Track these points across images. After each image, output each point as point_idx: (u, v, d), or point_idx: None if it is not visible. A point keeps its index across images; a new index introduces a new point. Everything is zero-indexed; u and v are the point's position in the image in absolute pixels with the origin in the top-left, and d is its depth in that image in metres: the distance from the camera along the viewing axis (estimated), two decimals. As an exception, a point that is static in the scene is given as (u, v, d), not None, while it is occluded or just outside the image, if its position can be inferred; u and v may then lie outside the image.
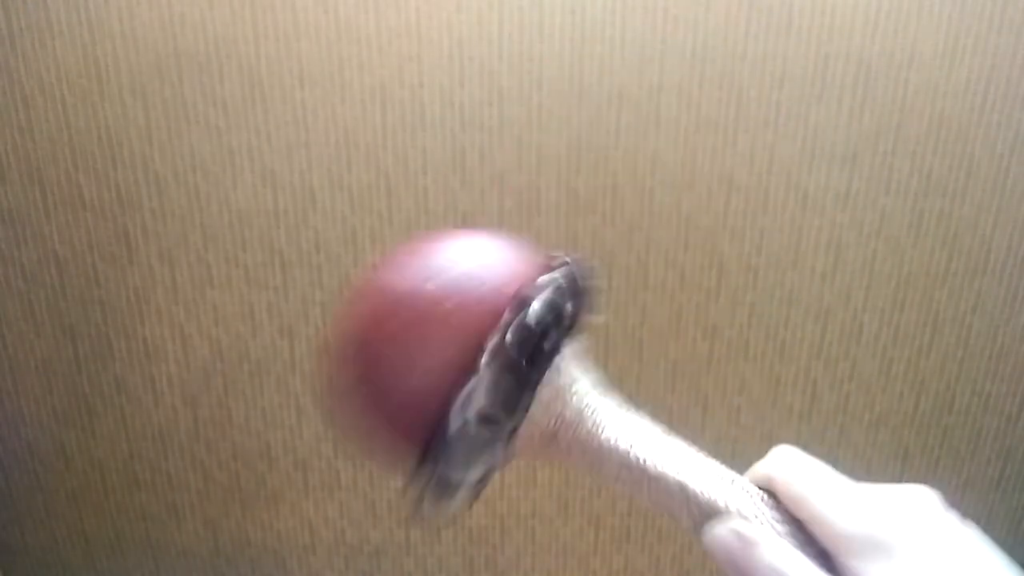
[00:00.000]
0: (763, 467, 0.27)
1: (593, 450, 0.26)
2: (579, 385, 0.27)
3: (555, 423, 0.26)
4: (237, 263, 0.71)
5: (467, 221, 0.70)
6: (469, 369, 0.23)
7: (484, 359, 0.23)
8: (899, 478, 0.78)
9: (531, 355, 0.24)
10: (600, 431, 0.26)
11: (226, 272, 0.72)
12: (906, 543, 0.22)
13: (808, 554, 0.24)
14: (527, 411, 0.25)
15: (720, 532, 0.25)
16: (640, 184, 0.69)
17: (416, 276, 0.25)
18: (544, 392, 0.25)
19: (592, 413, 0.27)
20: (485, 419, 0.24)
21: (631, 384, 0.75)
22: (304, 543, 0.81)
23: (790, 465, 0.26)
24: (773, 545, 0.24)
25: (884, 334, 0.74)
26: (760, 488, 0.26)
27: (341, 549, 0.82)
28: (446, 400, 0.23)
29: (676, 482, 0.26)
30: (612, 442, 0.26)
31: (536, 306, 0.24)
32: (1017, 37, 0.65)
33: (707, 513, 0.25)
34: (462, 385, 0.23)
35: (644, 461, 0.26)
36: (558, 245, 0.70)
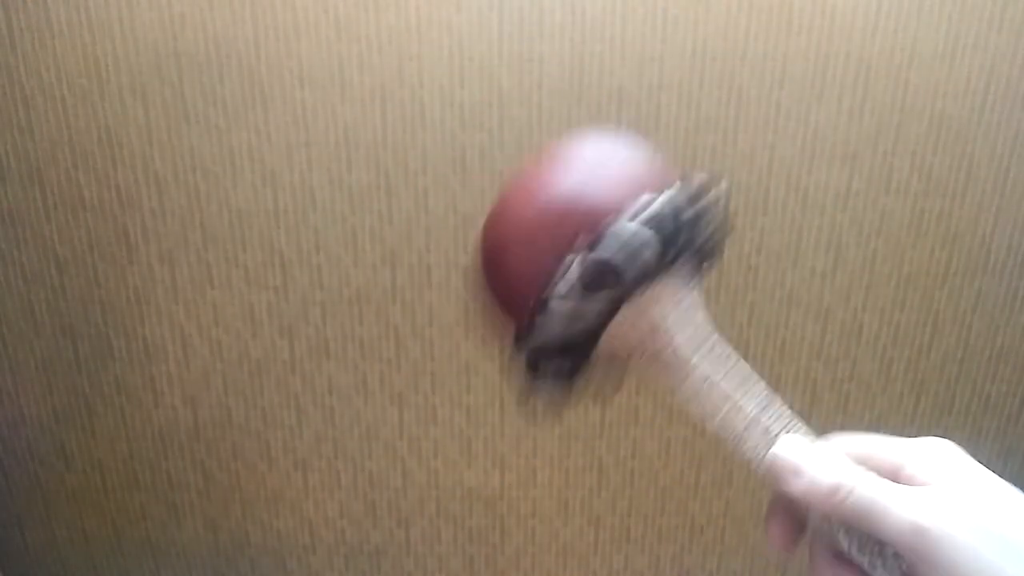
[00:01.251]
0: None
1: (674, 368, 0.28)
2: (683, 304, 0.28)
3: (647, 331, 0.28)
4: (237, 263, 0.71)
5: (467, 221, 0.70)
6: (563, 259, 0.27)
7: (579, 250, 0.26)
8: (899, 478, 0.78)
9: (624, 259, 0.26)
10: (686, 353, 0.28)
11: (226, 272, 0.72)
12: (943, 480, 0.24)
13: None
14: (615, 304, 0.27)
15: (779, 451, 0.26)
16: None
17: (541, 184, 0.29)
18: (643, 296, 0.27)
19: (684, 334, 0.28)
20: (578, 296, 0.26)
21: (631, 384, 0.75)
22: (304, 543, 0.81)
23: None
24: (828, 456, 0.25)
25: (884, 334, 0.74)
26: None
27: (341, 549, 0.82)
28: (546, 282, 0.27)
29: (745, 417, 0.27)
30: (695, 368, 0.28)
31: (638, 220, 0.27)
32: (1017, 37, 0.65)
33: (768, 443, 0.26)
34: (558, 272, 0.26)
35: (719, 392, 0.27)
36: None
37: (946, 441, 0.26)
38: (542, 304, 0.27)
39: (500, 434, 0.77)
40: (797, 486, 0.25)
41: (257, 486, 0.79)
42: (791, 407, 0.28)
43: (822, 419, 0.76)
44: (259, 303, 0.73)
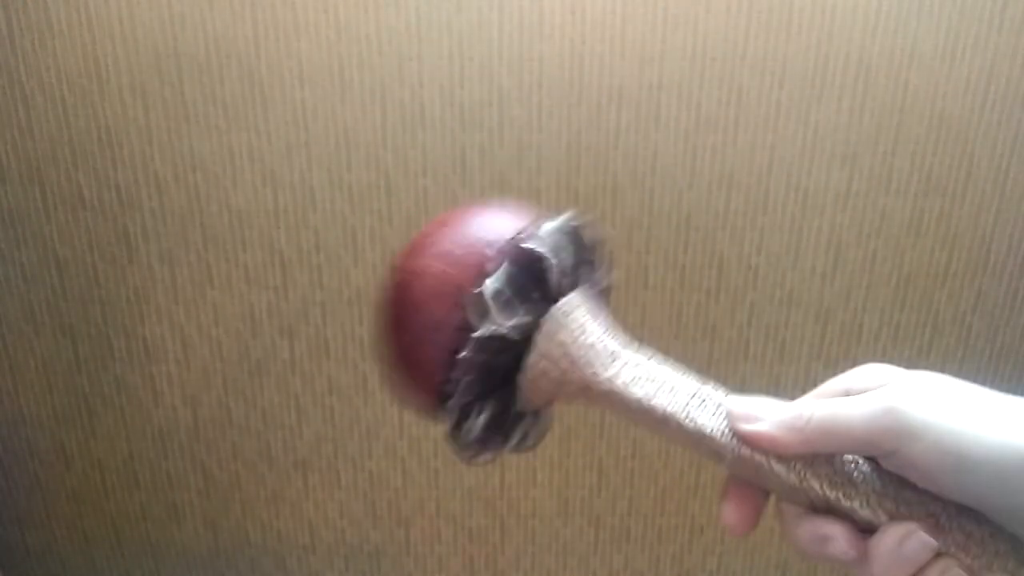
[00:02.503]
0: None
1: (602, 394, 0.27)
2: (588, 329, 0.28)
3: (563, 363, 0.27)
4: (237, 263, 0.71)
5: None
6: (464, 315, 0.27)
7: (477, 294, 0.26)
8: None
9: (518, 290, 0.27)
10: (606, 374, 0.27)
11: (226, 272, 0.72)
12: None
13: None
14: (526, 343, 0.27)
15: (732, 407, 0.27)
16: (640, 184, 0.69)
17: (422, 252, 0.29)
18: (546, 328, 0.27)
19: (600, 357, 0.28)
20: (484, 348, 0.26)
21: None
22: (304, 543, 0.81)
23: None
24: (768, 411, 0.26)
25: (884, 334, 0.74)
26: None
27: (341, 549, 0.82)
28: (453, 345, 0.27)
29: (686, 422, 0.26)
30: (619, 386, 0.27)
31: (505, 266, 0.27)
32: (1017, 37, 0.65)
33: (721, 447, 0.26)
34: (462, 328, 0.27)
35: (651, 405, 0.27)
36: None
37: (881, 364, 0.27)
38: (466, 333, 0.27)
39: (500, 434, 0.77)
40: (760, 430, 0.25)
41: (257, 486, 0.79)
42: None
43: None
44: (259, 303, 0.73)
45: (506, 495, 0.79)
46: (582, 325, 0.28)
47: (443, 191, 0.69)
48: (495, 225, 0.29)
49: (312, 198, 0.70)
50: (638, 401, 0.27)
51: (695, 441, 0.26)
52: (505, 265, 0.27)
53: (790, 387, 0.75)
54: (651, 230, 0.71)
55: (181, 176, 0.69)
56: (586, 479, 0.78)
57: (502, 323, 0.26)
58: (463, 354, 0.26)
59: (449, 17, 0.65)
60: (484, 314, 0.26)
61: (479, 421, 0.28)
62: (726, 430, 0.26)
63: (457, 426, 0.28)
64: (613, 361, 0.27)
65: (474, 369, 0.27)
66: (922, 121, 0.68)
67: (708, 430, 0.26)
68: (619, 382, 0.27)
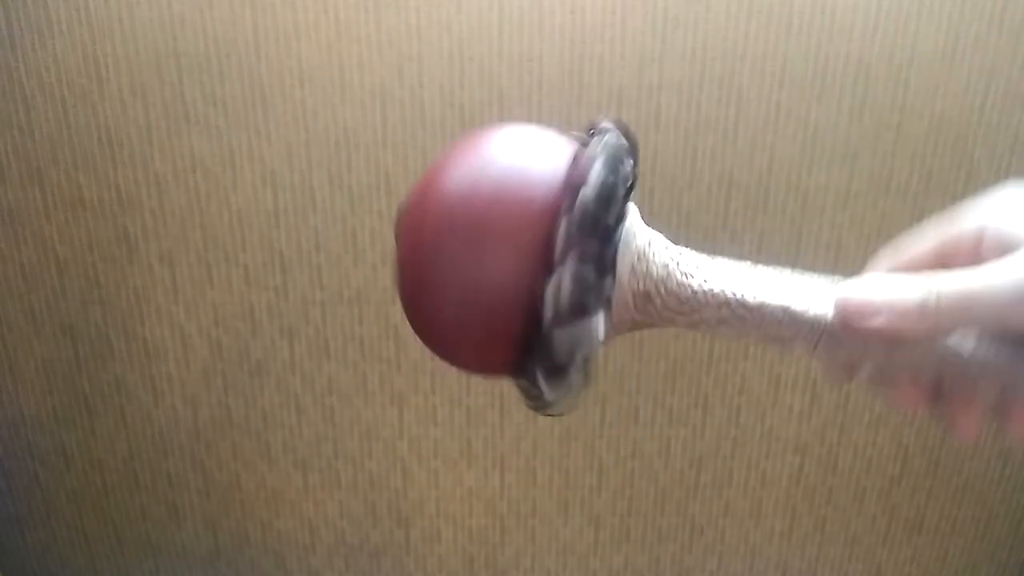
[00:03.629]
0: (964, 227, 0.25)
1: (688, 299, 0.26)
2: (654, 241, 0.27)
3: (644, 283, 0.26)
4: (237, 263, 0.71)
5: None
6: (546, 265, 0.23)
7: (557, 252, 0.23)
8: (899, 478, 0.78)
9: (601, 230, 0.24)
10: (690, 279, 0.26)
11: (226, 272, 0.72)
12: None
13: None
14: (614, 282, 0.25)
15: (843, 301, 0.23)
16: (640, 184, 0.69)
17: (463, 185, 0.25)
18: (625, 259, 0.25)
19: (676, 264, 0.26)
20: (575, 305, 0.23)
21: (631, 384, 0.75)
22: (304, 543, 0.81)
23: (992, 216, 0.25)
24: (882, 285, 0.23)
25: (884, 334, 0.74)
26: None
27: (341, 549, 0.82)
28: (532, 300, 0.23)
29: (779, 307, 0.25)
30: (705, 286, 0.26)
31: (590, 186, 0.24)
32: (1017, 37, 0.65)
33: (816, 327, 0.24)
34: (543, 282, 0.23)
35: (742, 296, 0.25)
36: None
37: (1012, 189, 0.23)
38: (545, 318, 0.23)
39: (500, 434, 0.77)
40: (884, 326, 0.22)
41: (257, 486, 0.79)
42: (812, 319, 0.25)
43: (823, 417, 0.76)
44: (259, 303, 0.73)
45: (506, 495, 0.79)
46: (648, 240, 0.26)
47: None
48: (544, 153, 0.26)
49: (312, 198, 0.70)
50: (738, 301, 0.25)
51: (807, 334, 0.24)
52: (576, 202, 0.23)
53: (790, 387, 0.75)
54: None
55: (181, 176, 0.69)
56: (586, 479, 0.78)
57: (583, 271, 0.23)
58: (565, 297, 0.23)
59: (449, 17, 0.65)
60: (563, 258, 0.23)
61: (579, 364, 0.24)
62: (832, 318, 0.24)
63: (548, 377, 0.25)
64: (696, 268, 0.26)
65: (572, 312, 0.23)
66: (922, 121, 0.68)
67: (808, 336, 0.24)
68: (715, 289, 0.26)
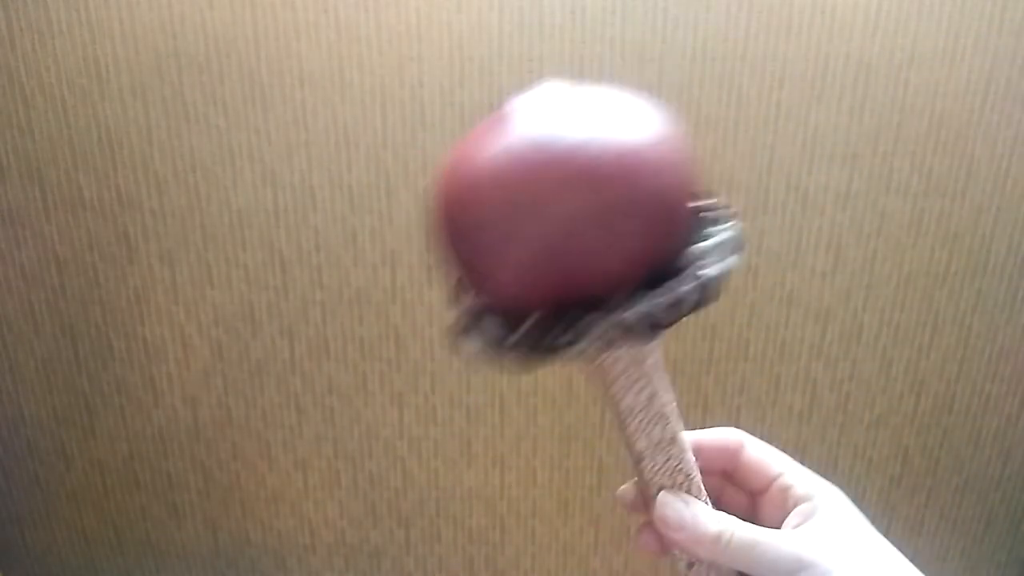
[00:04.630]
0: (728, 433, 0.32)
1: (616, 407, 0.28)
2: (653, 351, 0.28)
3: (640, 357, 0.27)
4: (237, 263, 0.71)
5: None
6: (657, 270, 0.23)
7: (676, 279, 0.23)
8: (899, 478, 0.78)
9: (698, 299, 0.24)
10: (628, 399, 0.28)
11: (226, 272, 0.72)
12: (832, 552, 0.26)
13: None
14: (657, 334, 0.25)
15: (662, 508, 0.29)
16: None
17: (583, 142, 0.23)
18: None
19: (652, 367, 0.28)
20: (639, 323, 0.23)
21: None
22: (304, 543, 0.81)
23: (752, 439, 0.32)
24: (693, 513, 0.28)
25: (884, 334, 0.74)
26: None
27: (341, 549, 0.82)
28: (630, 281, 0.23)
29: (644, 466, 0.28)
30: (630, 419, 0.28)
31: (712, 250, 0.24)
32: (1017, 37, 0.65)
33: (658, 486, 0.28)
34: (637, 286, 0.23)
35: (634, 438, 0.28)
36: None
37: (834, 488, 0.29)
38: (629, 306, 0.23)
39: (500, 434, 0.77)
40: (683, 541, 0.27)
41: (257, 486, 0.79)
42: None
43: (822, 419, 0.76)
44: (259, 303, 0.73)
45: (506, 495, 0.79)
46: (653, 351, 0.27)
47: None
48: (676, 167, 0.24)
49: (312, 198, 0.70)
50: (630, 428, 0.28)
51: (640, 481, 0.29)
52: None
53: (790, 387, 0.75)
54: (651, 230, 0.71)
55: (181, 176, 0.69)
56: (586, 479, 0.78)
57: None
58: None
59: (449, 17, 0.65)
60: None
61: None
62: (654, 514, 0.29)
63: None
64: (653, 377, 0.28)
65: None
66: (922, 121, 0.68)
67: (648, 482, 0.28)
68: (650, 400, 0.28)
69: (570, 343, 0.23)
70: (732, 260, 0.25)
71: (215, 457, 0.78)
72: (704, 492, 0.29)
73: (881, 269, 0.72)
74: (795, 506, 0.28)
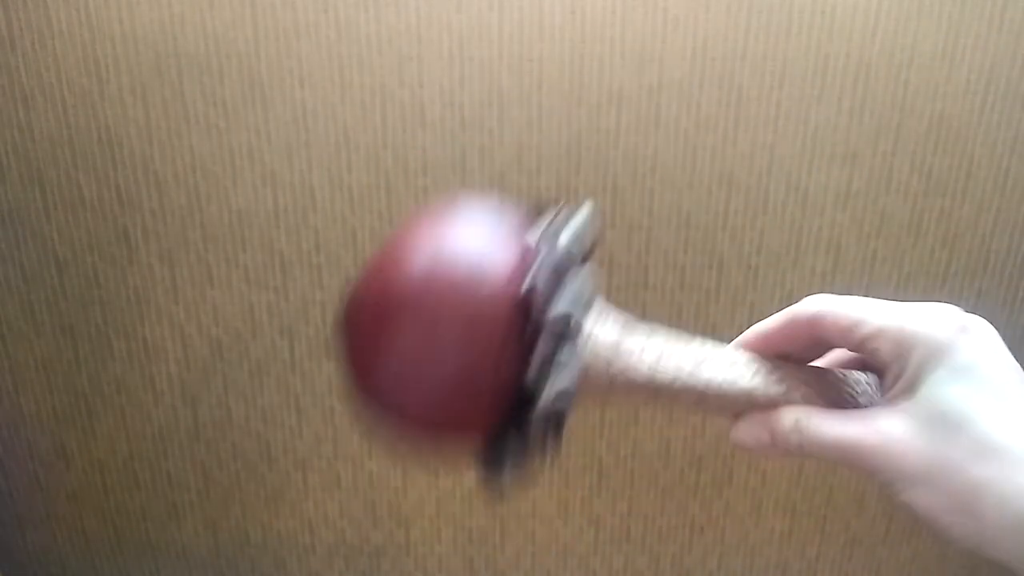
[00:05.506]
0: (801, 309, 0.28)
1: (642, 387, 0.27)
2: (611, 336, 0.28)
3: (606, 373, 0.27)
4: (237, 263, 0.71)
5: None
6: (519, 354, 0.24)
7: (532, 362, 0.24)
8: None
9: (565, 335, 0.25)
10: (643, 362, 0.27)
11: (226, 272, 0.72)
12: (968, 352, 0.23)
13: (836, 404, 0.26)
14: (576, 380, 0.26)
15: (739, 432, 0.27)
16: (640, 184, 0.69)
17: (417, 276, 0.25)
18: (585, 355, 0.27)
19: (628, 349, 0.28)
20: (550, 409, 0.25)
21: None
22: (304, 543, 0.81)
23: (832, 302, 0.27)
24: (789, 415, 0.26)
25: (884, 334, 0.74)
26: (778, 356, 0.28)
27: (341, 549, 0.82)
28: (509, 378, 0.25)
29: (718, 385, 0.27)
30: (657, 376, 0.27)
31: (557, 304, 0.25)
32: (1017, 37, 0.65)
33: (742, 404, 0.28)
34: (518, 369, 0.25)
35: (689, 375, 0.27)
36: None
37: (948, 312, 0.24)
38: (537, 378, 0.24)
39: (500, 434, 0.77)
40: (759, 441, 0.26)
41: (257, 486, 0.79)
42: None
43: (822, 419, 0.76)
44: (259, 303, 0.73)
45: (506, 495, 0.79)
46: (602, 335, 0.28)
47: (443, 191, 0.69)
48: (497, 252, 0.26)
49: (312, 198, 0.70)
50: (684, 381, 0.27)
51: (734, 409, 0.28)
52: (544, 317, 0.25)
53: (790, 387, 0.75)
54: (651, 230, 0.71)
55: (181, 176, 0.69)
56: (586, 479, 0.78)
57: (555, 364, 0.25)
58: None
59: (449, 17, 0.65)
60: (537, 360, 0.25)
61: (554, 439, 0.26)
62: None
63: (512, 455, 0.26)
64: (644, 351, 0.28)
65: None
66: (922, 121, 0.68)
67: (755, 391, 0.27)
68: (660, 377, 0.27)
69: (557, 411, 0.25)
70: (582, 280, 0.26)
71: (215, 457, 0.78)
72: (781, 391, 0.27)
73: (881, 269, 0.72)
74: (885, 374, 0.25)
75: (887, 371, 0.25)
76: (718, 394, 0.27)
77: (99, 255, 0.71)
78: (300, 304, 0.73)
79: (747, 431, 0.27)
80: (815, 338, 0.27)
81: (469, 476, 0.78)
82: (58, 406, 0.76)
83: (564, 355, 0.25)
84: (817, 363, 0.30)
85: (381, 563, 0.82)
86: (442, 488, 0.79)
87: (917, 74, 0.66)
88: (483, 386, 0.25)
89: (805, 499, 0.79)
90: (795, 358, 0.29)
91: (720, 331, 0.74)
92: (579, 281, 0.26)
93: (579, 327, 0.26)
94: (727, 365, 0.28)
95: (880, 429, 0.23)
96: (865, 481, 0.78)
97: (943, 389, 0.22)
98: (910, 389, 0.23)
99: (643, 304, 0.73)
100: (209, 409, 0.76)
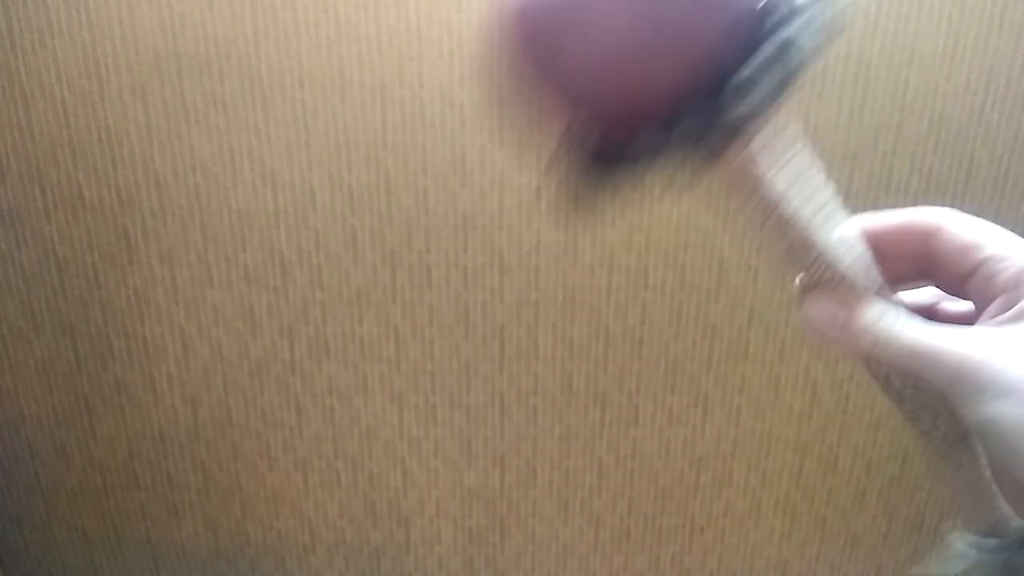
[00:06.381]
0: (920, 216, 0.26)
1: (761, 195, 0.25)
2: (781, 127, 0.25)
3: (753, 158, 0.24)
4: (237, 263, 0.71)
5: (467, 221, 0.70)
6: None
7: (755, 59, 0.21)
8: (899, 478, 0.78)
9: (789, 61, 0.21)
10: (777, 182, 0.25)
11: (226, 272, 0.72)
12: None
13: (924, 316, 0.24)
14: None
15: (813, 305, 0.25)
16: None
17: None
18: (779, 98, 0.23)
19: (779, 161, 0.25)
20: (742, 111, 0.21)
21: (631, 384, 0.75)
22: (304, 543, 0.81)
23: (954, 216, 0.26)
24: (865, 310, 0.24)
25: (884, 334, 0.74)
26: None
27: (341, 549, 0.82)
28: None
29: (814, 243, 0.25)
30: (781, 201, 0.25)
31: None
32: (1017, 37, 0.65)
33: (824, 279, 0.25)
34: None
35: (809, 230, 0.25)
36: (556, 245, 0.70)
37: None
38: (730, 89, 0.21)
39: (500, 434, 0.77)
40: (836, 340, 0.24)
41: (257, 486, 0.79)
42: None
43: (823, 417, 0.76)
44: (259, 303, 0.73)
45: (506, 495, 0.79)
46: (783, 121, 0.25)
47: (443, 191, 0.69)
48: None
49: (312, 198, 0.70)
50: (794, 223, 0.24)
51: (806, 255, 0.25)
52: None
53: (790, 387, 0.75)
54: (650, 230, 0.71)
55: (181, 176, 0.69)
56: (586, 479, 0.78)
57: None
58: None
59: (449, 17, 0.65)
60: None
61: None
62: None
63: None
64: (788, 168, 0.25)
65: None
66: (922, 121, 0.68)
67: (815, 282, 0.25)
68: (784, 200, 0.24)
69: (731, 122, 0.22)
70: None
71: (215, 457, 0.78)
72: (879, 286, 0.25)
73: (881, 269, 0.72)
74: (996, 297, 0.23)
75: (996, 299, 0.24)
76: (821, 253, 0.24)
77: (99, 255, 0.71)
78: (300, 304, 0.73)
79: (823, 307, 0.25)
80: (925, 250, 0.25)
81: (468, 475, 0.78)
82: (58, 406, 0.76)
83: (776, 74, 0.21)
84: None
85: (381, 563, 0.82)
86: (442, 488, 0.79)
87: (917, 74, 0.66)
88: (691, 48, 0.21)
89: (805, 499, 0.79)
90: (894, 268, 0.26)
91: (720, 331, 0.74)
92: (816, 19, 0.22)
93: (802, 61, 0.21)
94: (844, 237, 0.25)
95: (980, 340, 0.22)
96: (865, 481, 0.78)
97: None
98: (1022, 316, 0.22)
99: (643, 304, 0.73)
100: (209, 409, 0.76)
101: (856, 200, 0.71)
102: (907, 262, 0.27)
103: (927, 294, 0.27)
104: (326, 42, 0.65)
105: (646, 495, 0.79)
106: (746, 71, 0.21)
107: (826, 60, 0.66)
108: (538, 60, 0.23)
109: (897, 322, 0.23)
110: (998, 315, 0.23)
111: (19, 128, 0.67)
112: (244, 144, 0.68)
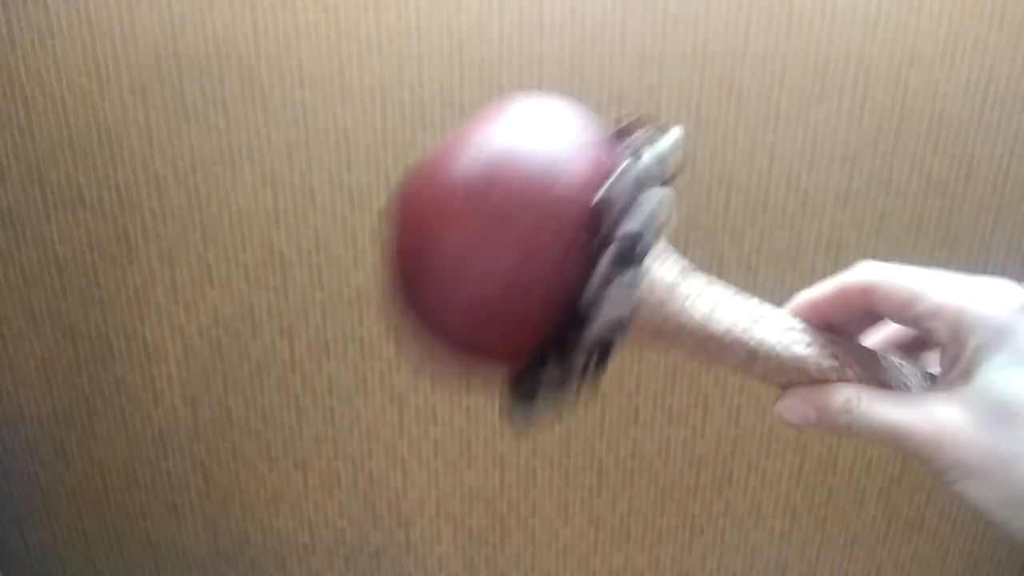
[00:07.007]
0: (854, 278, 0.27)
1: (692, 334, 0.26)
2: (669, 275, 0.26)
3: (659, 313, 0.25)
4: (237, 263, 0.71)
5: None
6: (579, 277, 0.22)
7: (598, 273, 0.22)
8: (899, 478, 0.78)
9: (631, 259, 0.23)
10: (694, 316, 0.26)
11: (226, 272, 0.72)
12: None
13: (883, 381, 0.25)
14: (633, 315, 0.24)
15: (784, 406, 0.26)
16: (640, 184, 0.69)
17: (485, 164, 0.23)
18: (644, 286, 0.25)
19: (686, 293, 0.26)
20: (613, 280, 0.22)
21: (631, 384, 0.75)
22: (304, 543, 0.81)
23: (887, 272, 0.26)
24: (837, 392, 0.25)
25: (884, 334, 0.74)
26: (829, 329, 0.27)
27: (341, 549, 0.82)
28: (567, 291, 0.22)
29: (771, 346, 0.26)
30: (709, 326, 0.26)
31: (631, 217, 0.23)
32: (1017, 37, 0.65)
33: (792, 372, 0.26)
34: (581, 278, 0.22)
35: (748, 338, 0.26)
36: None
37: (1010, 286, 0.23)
38: (589, 304, 0.22)
39: (500, 434, 0.77)
40: (809, 420, 0.25)
41: (257, 486, 0.79)
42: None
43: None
44: (259, 303, 0.73)
45: (506, 495, 0.79)
46: (664, 273, 0.26)
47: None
48: (573, 152, 0.23)
49: (312, 198, 0.70)
50: (731, 338, 0.26)
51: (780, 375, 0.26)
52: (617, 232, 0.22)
53: (790, 387, 0.75)
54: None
55: (181, 176, 0.69)
56: (586, 479, 0.78)
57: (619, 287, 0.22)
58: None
59: (449, 17, 0.65)
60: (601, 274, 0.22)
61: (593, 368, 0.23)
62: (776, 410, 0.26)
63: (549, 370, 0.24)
64: (701, 298, 0.26)
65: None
66: (922, 121, 0.68)
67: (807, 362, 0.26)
68: (713, 327, 0.26)
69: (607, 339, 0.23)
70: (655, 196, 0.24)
71: (215, 457, 0.78)
72: (834, 365, 0.26)
73: (881, 269, 0.72)
74: (941, 355, 0.24)
75: (943, 352, 0.24)
76: (768, 356, 0.25)
77: (99, 255, 0.71)
78: (300, 304, 0.73)
79: (793, 406, 0.25)
80: (867, 310, 0.26)
81: (468, 475, 0.79)
82: (58, 406, 0.76)
83: (626, 279, 0.22)
84: (867, 339, 0.28)
85: (381, 563, 0.82)
86: (442, 488, 0.79)
87: (917, 74, 0.66)
88: (536, 293, 0.22)
89: (805, 499, 0.79)
90: (844, 330, 0.27)
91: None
92: (655, 204, 0.23)
93: (646, 252, 0.23)
94: (783, 329, 0.26)
95: (934, 416, 0.22)
96: (865, 481, 0.78)
97: (1001, 376, 0.21)
98: (967, 374, 0.22)
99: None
100: (209, 409, 0.76)
101: (856, 200, 0.72)
102: (860, 321, 0.27)
103: (905, 332, 0.28)
104: (326, 42, 0.65)
105: (646, 495, 0.79)
106: (590, 292, 0.22)
107: (826, 60, 0.66)
108: (410, 306, 0.25)
109: (860, 404, 0.24)
110: (949, 371, 0.24)
111: (19, 128, 0.67)
112: (244, 144, 0.68)
